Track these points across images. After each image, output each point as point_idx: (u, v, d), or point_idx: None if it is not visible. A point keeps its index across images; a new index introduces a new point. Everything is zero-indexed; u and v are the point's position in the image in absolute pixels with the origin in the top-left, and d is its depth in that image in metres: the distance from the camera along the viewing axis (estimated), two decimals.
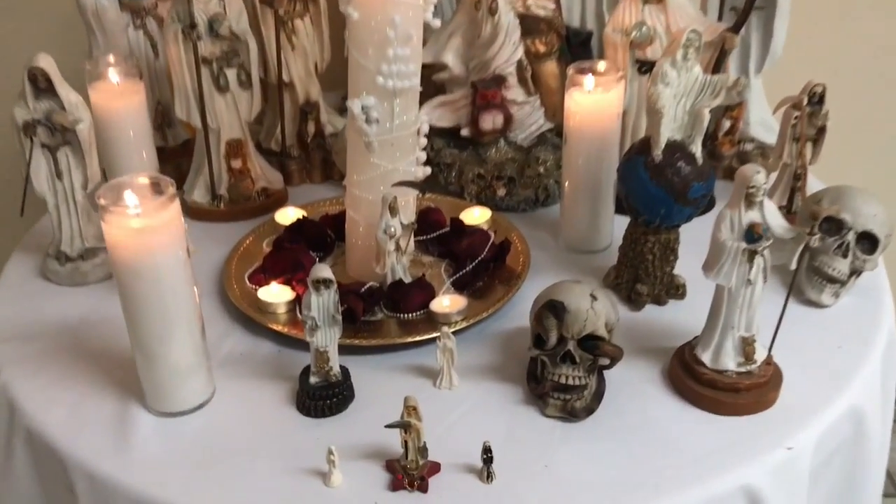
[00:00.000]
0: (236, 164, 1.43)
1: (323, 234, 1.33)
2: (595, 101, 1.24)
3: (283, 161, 1.55)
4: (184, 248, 0.98)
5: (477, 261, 1.25)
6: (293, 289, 1.19)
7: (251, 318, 1.17)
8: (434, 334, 1.11)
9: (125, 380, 1.07)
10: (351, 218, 1.24)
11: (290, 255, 1.25)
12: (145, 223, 0.93)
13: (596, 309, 0.99)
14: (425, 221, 1.34)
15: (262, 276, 1.24)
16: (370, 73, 1.12)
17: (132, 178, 0.97)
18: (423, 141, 1.22)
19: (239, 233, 1.37)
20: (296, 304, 1.19)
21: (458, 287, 1.23)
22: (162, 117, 1.56)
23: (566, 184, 1.31)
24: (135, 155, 1.36)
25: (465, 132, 1.47)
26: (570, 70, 1.25)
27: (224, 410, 1.05)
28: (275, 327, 1.15)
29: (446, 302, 1.17)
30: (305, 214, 1.37)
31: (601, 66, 1.25)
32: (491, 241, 1.29)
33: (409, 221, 1.20)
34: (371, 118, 1.13)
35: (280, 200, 1.48)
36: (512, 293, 1.20)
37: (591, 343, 0.99)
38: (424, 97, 1.37)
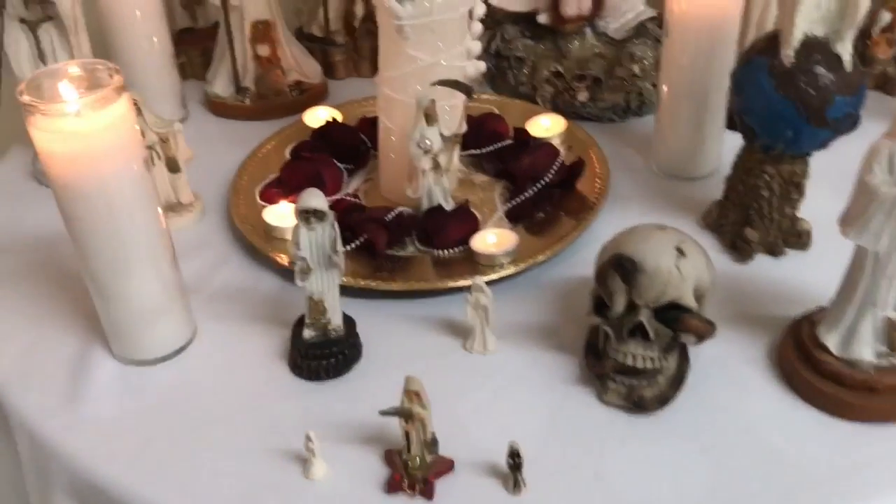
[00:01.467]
0: (263, 50, 1.19)
1: (355, 142, 1.08)
2: None
3: (327, 50, 1.30)
4: (140, 157, 0.76)
5: (539, 185, 0.99)
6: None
7: (253, 245, 0.95)
8: (470, 280, 0.87)
9: (94, 315, 0.87)
10: (383, 125, 0.99)
11: (309, 167, 1.02)
12: (83, 126, 0.71)
13: (682, 269, 0.72)
14: (481, 131, 1.07)
15: (276, 191, 1.02)
16: None
17: (65, 66, 0.74)
18: (477, 27, 0.95)
19: (265, 134, 1.15)
20: None
21: (513, 218, 0.97)
22: None
23: (664, 89, 1.02)
24: (142, 39, 1.14)
25: (542, 18, 1.18)
26: None
27: (201, 362, 0.84)
28: (278, 258, 0.92)
29: (492, 238, 0.91)
30: (338, 117, 1.13)
31: None
32: (559, 159, 1.02)
33: (453, 133, 0.94)
34: None
35: (317, 96, 1.24)
36: (579, 231, 0.94)
37: (671, 314, 0.73)
38: None
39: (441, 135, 0.93)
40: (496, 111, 1.15)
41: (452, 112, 0.97)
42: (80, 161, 0.72)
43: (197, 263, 0.95)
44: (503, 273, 0.89)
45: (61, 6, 0.99)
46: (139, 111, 0.95)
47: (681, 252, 0.73)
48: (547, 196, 0.98)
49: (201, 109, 1.25)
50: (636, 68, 1.13)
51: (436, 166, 0.94)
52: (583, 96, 1.15)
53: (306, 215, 0.74)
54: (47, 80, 0.73)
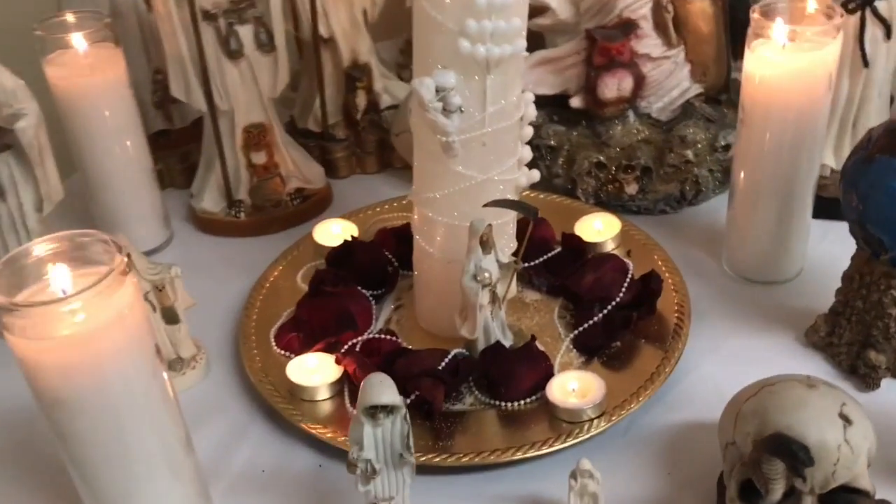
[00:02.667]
0: (259, 158, 1.03)
1: (381, 262, 0.93)
2: (794, 62, 0.80)
3: (325, 146, 1.14)
4: (152, 351, 0.59)
5: (610, 306, 0.84)
6: (338, 360, 0.80)
7: (278, 413, 0.78)
8: (553, 446, 0.71)
9: None
10: (421, 249, 0.83)
11: (335, 304, 0.85)
12: (78, 327, 0.54)
13: (852, 442, 0.57)
14: (533, 231, 0.92)
15: (296, 335, 0.85)
16: (449, 35, 0.70)
17: (46, 242, 0.57)
18: (529, 132, 0.80)
19: (266, 254, 0.98)
20: (344, 384, 0.79)
21: (583, 349, 0.82)
22: (164, 91, 1.15)
23: (740, 180, 0.88)
24: (115, 146, 0.97)
25: (576, 102, 1.04)
26: (755, 13, 0.81)
27: None
28: (313, 430, 0.75)
29: (573, 384, 0.76)
30: (353, 231, 0.97)
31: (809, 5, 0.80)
32: (629, 272, 0.87)
33: (511, 259, 0.79)
34: (451, 106, 0.71)
35: (322, 203, 1.08)
36: (672, 365, 0.79)
37: (841, 498, 0.58)
38: None
39: (499, 261, 0.78)
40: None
41: (504, 230, 0.82)
42: (80, 371, 0.54)
43: (210, 437, 0.78)
44: (594, 431, 0.73)
45: (23, 136, 0.82)
46: (129, 259, 0.78)
47: (846, 420, 0.58)
48: (619, 319, 0.83)
49: (187, 227, 1.08)
50: (689, 153, 0.99)
51: (493, 300, 0.78)
52: (632, 189, 1.00)
53: (373, 412, 0.57)
54: (21, 264, 0.55)
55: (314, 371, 0.80)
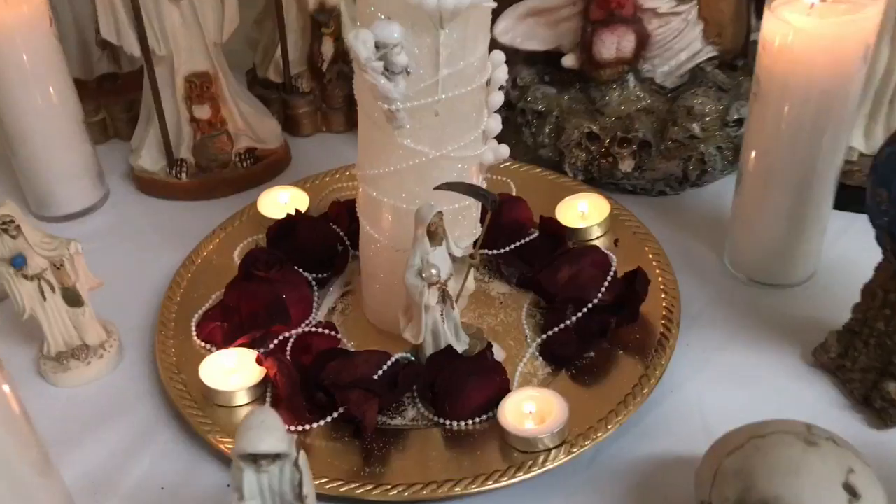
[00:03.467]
0: (202, 112, 0.90)
1: (329, 241, 0.80)
2: (824, 27, 0.66)
3: (287, 100, 1.01)
4: None
5: (586, 308, 0.72)
6: (259, 361, 0.68)
7: (186, 420, 0.67)
8: (500, 481, 0.60)
9: None
10: (366, 233, 0.71)
11: (265, 291, 0.73)
12: None
13: None
14: (494, 219, 0.80)
15: (220, 324, 0.74)
16: None
17: None
18: (498, 99, 0.67)
19: (209, 221, 0.87)
20: (267, 388, 0.68)
21: (550, 356, 0.70)
22: None
23: (750, 160, 0.74)
24: (35, 94, 0.85)
25: (568, 61, 0.90)
26: None
27: None
28: (223, 444, 0.64)
29: (529, 406, 0.64)
30: (303, 203, 0.85)
31: None
32: (611, 268, 0.74)
33: (467, 253, 0.67)
34: (395, 66, 0.58)
35: (277, 165, 0.96)
36: (650, 386, 0.67)
37: None
38: (502, 5, 0.83)
39: (451, 256, 0.65)
40: (511, 187, 0.87)
41: (464, 216, 0.69)
42: None
43: (107, 442, 0.67)
44: (551, 464, 0.61)
45: None
46: (18, 230, 0.66)
47: (853, 492, 0.46)
48: (595, 325, 0.70)
49: (125, 186, 0.96)
50: (696, 127, 0.86)
51: (444, 299, 0.66)
52: (627, 165, 0.87)
53: (252, 460, 0.45)
54: None
55: (233, 371, 0.68)
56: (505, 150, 0.69)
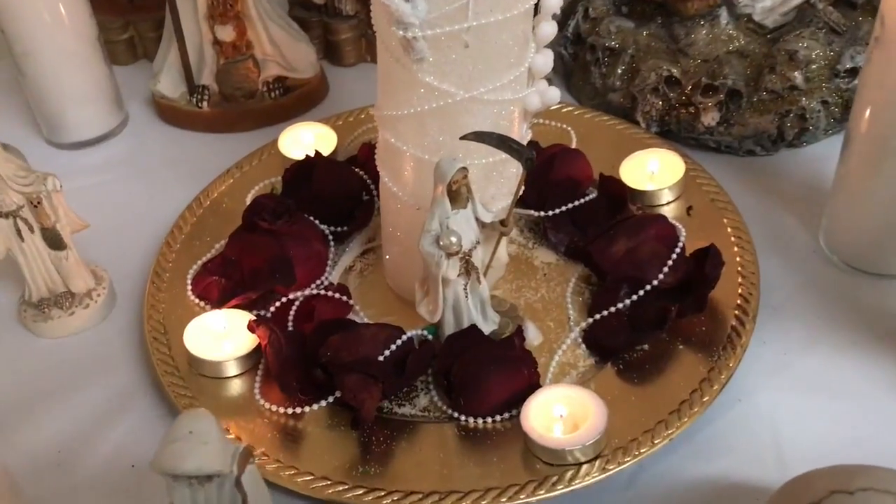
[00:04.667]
0: (225, 33, 0.80)
1: (352, 189, 0.70)
2: None
3: (328, 24, 0.90)
4: None
5: (642, 291, 0.60)
6: (251, 327, 0.58)
7: (165, 391, 0.58)
8: (517, 498, 0.49)
9: None
10: (386, 187, 0.60)
11: (268, 245, 0.63)
12: None
13: None
14: (547, 175, 0.68)
15: (217, 279, 0.64)
16: None
17: None
18: (548, 31, 0.54)
19: (229, 157, 0.77)
20: (260, 359, 0.59)
21: (596, 346, 0.59)
22: None
23: (863, 121, 0.60)
24: (42, 11, 0.76)
25: None
26: None
27: None
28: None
29: (559, 409, 0.53)
30: (329, 142, 0.74)
31: None
32: (679, 244, 0.62)
33: (498, 219, 0.55)
34: None
35: (310, 97, 0.86)
36: (713, 393, 0.55)
37: None
38: None
39: (478, 221, 0.54)
40: (572, 137, 0.75)
41: (500, 174, 0.57)
42: None
43: (81, 408, 0.59)
44: (581, 482, 0.50)
45: None
46: None
47: None
48: (653, 312, 0.58)
49: (147, 112, 0.87)
50: (798, 76, 0.71)
51: (468, 270, 0.55)
52: (710, 118, 0.73)
53: (183, 479, 0.36)
54: None
55: (222, 336, 0.59)
56: (555, 94, 0.56)
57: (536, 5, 0.52)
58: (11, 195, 0.60)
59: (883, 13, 0.56)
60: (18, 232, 0.61)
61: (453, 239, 0.52)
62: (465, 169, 0.51)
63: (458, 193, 0.52)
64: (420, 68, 0.50)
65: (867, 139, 0.60)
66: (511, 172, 0.58)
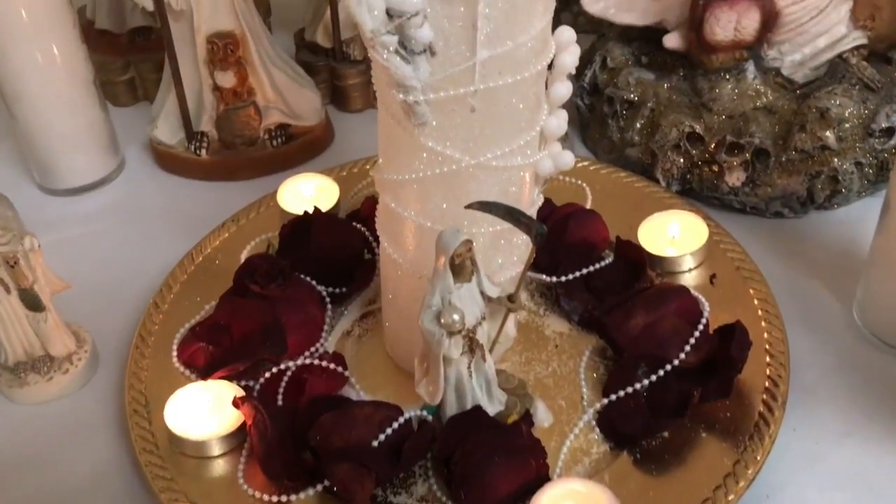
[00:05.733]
0: (225, 79, 0.76)
1: (353, 247, 0.66)
2: None
3: (335, 68, 0.86)
4: None
5: (662, 371, 0.55)
6: (236, 404, 0.54)
7: (142, 470, 0.54)
8: None
9: None
10: (386, 253, 0.56)
11: (261, 310, 0.59)
12: None
13: None
14: (560, 237, 0.64)
15: (205, 346, 0.60)
16: None
17: None
18: (562, 91, 0.50)
19: (228, 207, 0.73)
20: (246, 435, 0.54)
21: (611, 431, 0.54)
22: None
23: None
24: (35, 50, 0.73)
25: (672, 41, 0.73)
26: None
27: None
28: None
29: None
30: (331, 195, 0.71)
31: None
32: (702, 320, 0.57)
33: (505, 294, 0.51)
34: (415, 43, 0.42)
35: (314, 145, 0.82)
36: (742, 483, 0.50)
37: None
38: None
39: (483, 295, 0.50)
40: (587, 195, 0.71)
41: (507, 241, 0.53)
42: None
43: (50, 483, 0.55)
44: None
45: None
46: None
47: None
48: (675, 393, 0.54)
49: (144, 157, 0.84)
50: (829, 135, 0.67)
51: (472, 348, 0.50)
52: (736, 178, 0.69)
53: None
54: None
55: (206, 412, 0.55)
56: (569, 158, 0.52)
57: (550, 64, 0.48)
58: None
59: None
60: None
61: (455, 317, 0.47)
62: (469, 241, 0.47)
63: (461, 267, 0.47)
64: (422, 132, 0.46)
65: None
66: (520, 240, 0.54)
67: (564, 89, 0.50)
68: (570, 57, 0.49)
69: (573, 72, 0.50)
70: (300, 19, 0.92)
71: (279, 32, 0.95)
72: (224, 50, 0.74)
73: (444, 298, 0.48)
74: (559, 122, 0.51)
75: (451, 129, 0.47)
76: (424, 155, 0.48)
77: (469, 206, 0.47)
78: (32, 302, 0.58)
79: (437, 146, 0.47)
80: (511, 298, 0.50)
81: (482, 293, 0.50)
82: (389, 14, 0.41)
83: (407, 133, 0.47)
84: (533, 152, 0.51)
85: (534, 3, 0.44)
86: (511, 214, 0.46)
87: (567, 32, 0.49)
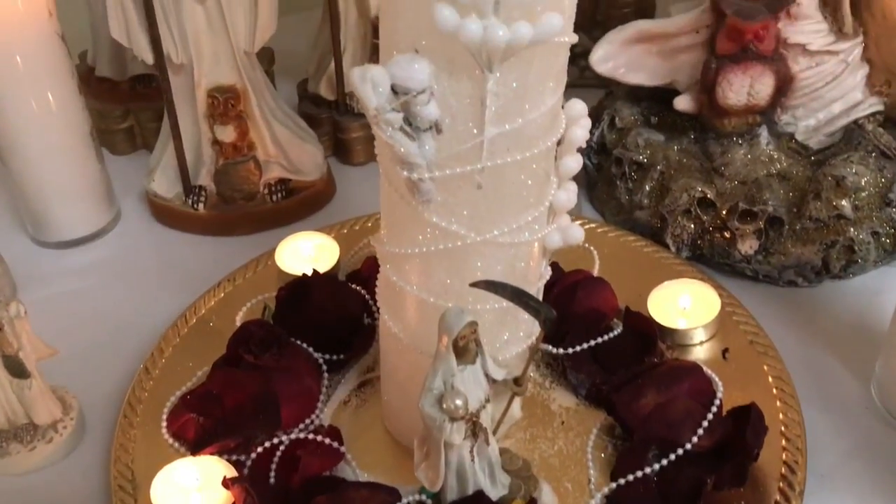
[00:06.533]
0: (225, 133, 0.74)
1: (352, 311, 0.64)
2: None
3: (338, 121, 0.85)
4: None
5: (674, 455, 0.52)
6: (227, 485, 0.51)
7: None
8: None
9: None
10: (385, 326, 0.53)
11: (254, 381, 0.57)
12: None
13: None
14: (567, 306, 0.61)
15: (195, 417, 0.58)
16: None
17: None
18: (572, 166, 0.48)
19: (226, 263, 0.71)
20: None
21: None
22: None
23: None
24: (30, 99, 0.71)
25: (683, 104, 0.71)
26: None
27: None
28: None
29: None
30: (332, 254, 0.68)
31: None
32: (716, 402, 0.55)
33: (511, 377, 0.48)
34: (420, 120, 0.40)
35: (315, 200, 0.80)
36: None
37: None
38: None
39: (487, 377, 0.47)
40: (595, 259, 0.68)
41: (514, 318, 0.51)
42: None
43: None
44: None
45: None
46: None
47: None
48: (687, 479, 0.51)
49: (141, 209, 0.82)
50: (845, 204, 0.65)
51: (475, 432, 0.48)
52: (748, 246, 0.67)
53: None
54: None
55: (198, 490, 0.52)
56: (578, 233, 0.50)
57: (560, 140, 0.46)
58: None
59: None
60: None
61: (458, 402, 0.45)
62: (474, 322, 0.44)
63: (465, 349, 0.45)
64: (426, 208, 0.44)
65: None
66: (527, 315, 0.51)
67: (575, 163, 0.48)
68: (581, 130, 0.47)
69: (583, 145, 0.48)
70: (303, 69, 0.91)
71: (282, 81, 0.93)
72: (225, 104, 0.73)
73: (447, 381, 0.46)
74: (569, 195, 0.49)
75: (457, 205, 0.45)
76: (428, 230, 0.46)
77: (474, 285, 0.45)
78: (17, 369, 0.56)
79: (442, 222, 0.45)
80: (517, 382, 0.48)
81: (486, 375, 0.47)
82: (395, 90, 0.39)
83: (410, 208, 0.45)
84: (541, 227, 0.49)
85: (545, 80, 0.42)
86: (519, 297, 0.44)
87: (578, 106, 0.47)
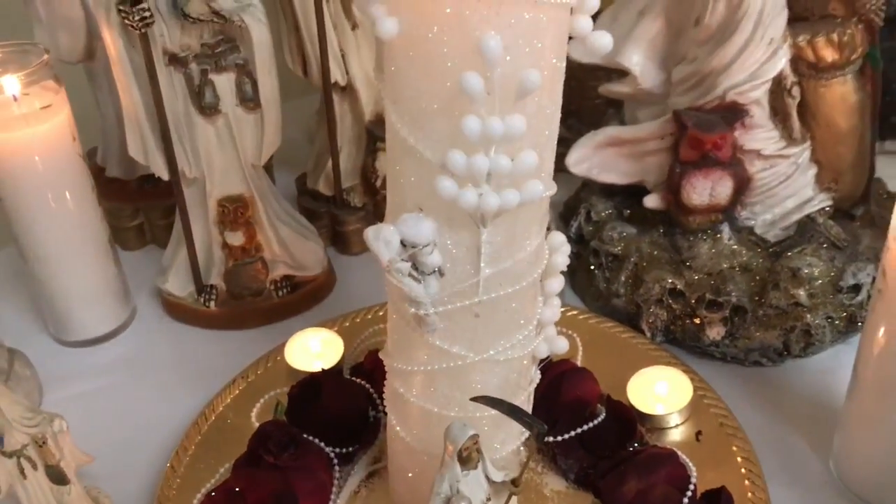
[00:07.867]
0: (235, 238, 0.81)
1: (358, 406, 0.70)
2: None
3: (336, 215, 0.91)
4: None
5: None
6: None
7: None
8: None
9: None
10: (393, 430, 0.59)
11: (274, 480, 0.62)
12: None
13: None
14: (555, 396, 0.68)
15: None
16: (427, 167, 0.45)
17: None
18: (557, 284, 0.55)
19: (239, 356, 0.77)
20: None
21: None
22: None
23: (868, 369, 0.60)
24: (58, 215, 0.77)
25: (651, 202, 0.78)
26: None
27: None
28: None
29: None
30: (337, 348, 0.75)
31: None
32: (690, 488, 0.61)
33: (509, 478, 0.55)
34: (425, 267, 0.47)
35: (317, 292, 0.86)
36: None
37: None
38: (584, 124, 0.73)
39: (488, 479, 0.54)
40: (578, 346, 0.75)
41: (508, 423, 0.57)
42: None
43: None
44: None
45: None
46: None
47: None
48: None
49: (154, 305, 0.87)
50: (802, 293, 0.72)
51: None
52: (716, 332, 0.74)
53: None
54: None
55: None
56: (563, 344, 0.57)
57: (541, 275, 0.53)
58: (17, 436, 0.59)
59: (884, 266, 0.57)
60: (22, 471, 0.60)
61: None
62: (476, 435, 0.51)
63: (468, 457, 0.51)
64: (430, 334, 0.51)
65: (873, 387, 0.60)
66: (511, 438, 0.58)
67: (557, 284, 0.55)
68: (562, 257, 0.54)
69: (565, 269, 0.55)
70: (299, 159, 0.98)
71: (280, 173, 0.99)
72: (234, 212, 0.79)
73: (452, 486, 0.52)
74: (553, 311, 0.56)
75: (458, 331, 0.51)
76: (432, 351, 0.52)
77: (475, 400, 0.51)
78: (58, 477, 0.61)
79: (444, 345, 0.51)
80: (515, 483, 0.54)
81: (487, 478, 0.53)
82: (403, 244, 0.46)
83: (416, 333, 0.52)
84: (530, 342, 0.55)
85: (530, 226, 0.49)
86: (514, 413, 0.50)
87: (559, 237, 0.54)
